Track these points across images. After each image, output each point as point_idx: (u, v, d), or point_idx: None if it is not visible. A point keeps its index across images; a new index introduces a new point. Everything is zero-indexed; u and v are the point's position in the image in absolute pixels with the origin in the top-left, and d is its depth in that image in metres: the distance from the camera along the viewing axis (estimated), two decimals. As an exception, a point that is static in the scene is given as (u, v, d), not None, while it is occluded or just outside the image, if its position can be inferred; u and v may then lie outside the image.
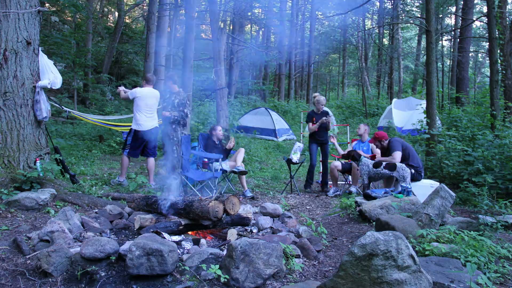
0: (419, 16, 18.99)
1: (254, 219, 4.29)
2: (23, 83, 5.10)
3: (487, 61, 12.47)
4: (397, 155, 5.62)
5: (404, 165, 5.51)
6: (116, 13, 20.30)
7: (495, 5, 7.93)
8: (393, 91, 25.56)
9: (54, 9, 14.14)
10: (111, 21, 21.58)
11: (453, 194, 4.26)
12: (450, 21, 26.50)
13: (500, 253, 3.26)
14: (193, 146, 6.88)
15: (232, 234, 3.69)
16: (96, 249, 3.00)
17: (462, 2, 15.60)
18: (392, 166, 5.56)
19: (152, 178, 6.33)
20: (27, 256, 3.31)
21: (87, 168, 7.73)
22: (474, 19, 13.93)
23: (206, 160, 6.50)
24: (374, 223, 4.39)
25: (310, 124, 6.87)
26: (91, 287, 2.84)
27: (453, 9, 20.33)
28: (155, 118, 6.43)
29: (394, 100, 17.49)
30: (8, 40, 4.97)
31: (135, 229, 3.89)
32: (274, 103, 21.41)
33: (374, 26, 28.38)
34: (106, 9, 20.90)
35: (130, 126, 9.68)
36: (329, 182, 7.00)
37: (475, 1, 18.21)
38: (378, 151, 6.29)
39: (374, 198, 5.09)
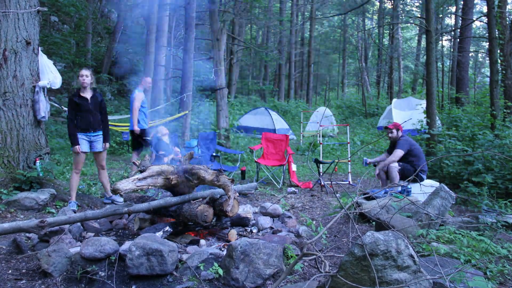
0: (419, 16, 18.99)
1: (254, 219, 4.28)
2: (23, 83, 5.10)
3: (487, 61, 12.48)
4: (398, 153, 5.59)
5: (395, 165, 5.48)
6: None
7: (495, 5, 7.92)
8: (393, 91, 25.57)
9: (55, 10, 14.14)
10: (111, 21, 21.59)
11: (454, 194, 4.26)
12: (450, 21, 26.50)
13: (500, 253, 3.25)
14: (193, 146, 6.89)
15: (232, 234, 3.69)
16: (96, 249, 3.00)
17: (462, 2, 15.60)
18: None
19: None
20: (27, 256, 3.31)
21: (87, 168, 7.73)
22: (474, 19, 13.92)
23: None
24: (374, 223, 4.39)
25: None
26: (91, 287, 2.84)
27: (453, 9, 20.34)
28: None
29: (394, 100, 17.50)
30: (7, 40, 4.97)
31: (134, 230, 3.89)
32: (274, 103, 21.41)
33: (374, 26, 28.38)
34: (106, 9, 20.87)
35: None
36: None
37: (475, 1, 18.21)
38: None
39: (374, 198, 5.08)
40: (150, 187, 3.64)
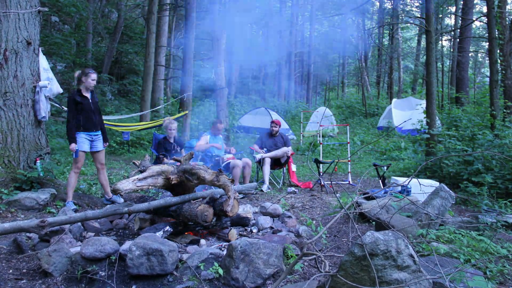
0: (419, 16, 19.00)
1: (254, 219, 4.29)
2: (23, 83, 5.10)
3: (487, 61, 12.50)
4: None
5: None
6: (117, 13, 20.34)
7: (495, 5, 7.93)
8: (393, 91, 25.59)
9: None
10: (111, 21, 21.63)
11: (454, 194, 4.27)
12: (450, 21, 26.50)
13: (500, 253, 3.26)
14: (194, 146, 6.89)
15: (232, 234, 3.69)
16: (96, 249, 3.00)
17: (462, 2, 15.61)
18: None
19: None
20: (27, 256, 3.31)
21: (87, 168, 7.74)
22: (474, 19, 13.93)
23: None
24: (374, 223, 4.40)
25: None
26: (91, 287, 2.85)
27: (453, 9, 20.35)
28: None
29: (394, 100, 17.53)
30: (8, 40, 4.98)
31: (135, 230, 3.89)
32: (274, 103, 21.41)
33: (374, 26, 28.40)
34: (106, 9, 20.90)
35: (130, 126, 9.70)
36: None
37: (475, 1, 18.22)
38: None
39: (374, 198, 5.09)
40: (150, 187, 3.65)
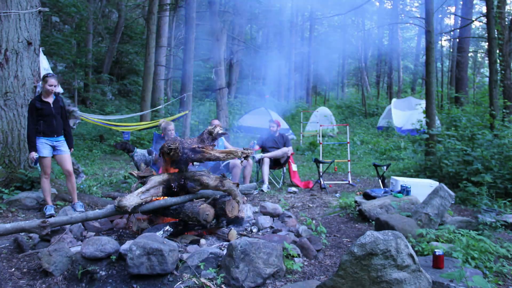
0: (419, 16, 19.02)
1: (254, 219, 4.30)
2: (24, 83, 5.12)
3: (486, 61, 12.50)
4: None
5: None
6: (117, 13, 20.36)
7: (494, 6, 7.93)
8: (393, 91, 25.61)
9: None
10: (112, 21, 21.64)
11: (453, 193, 4.28)
12: (450, 21, 26.53)
13: (499, 252, 3.27)
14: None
15: (232, 234, 3.70)
16: (96, 248, 3.01)
17: (461, 3, 15.63)
18: None
19: None
20: (28, 255, 3.32)
21: (88, 168, 7.75)
22: (473, 19, 13.91)
23: None
24: (373, 222, 4.41)
25: None
26: (91, 286, 2.86)
27: (453, 9, 20.37)
28: None
29: (394, 100, 17.52)
30: (9, 40, 4.99)
31: (134, 230, 3.90)
32: (274, 103, 21.41)
33: (373, 26, 28.41)
34: (107, 9, 20.92)
35: (130, 125, 9.70)
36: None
37: (474, 1, 18.23)
38: None
39: (374, 197, 5.10)
40: (153, 198, 3.67)
